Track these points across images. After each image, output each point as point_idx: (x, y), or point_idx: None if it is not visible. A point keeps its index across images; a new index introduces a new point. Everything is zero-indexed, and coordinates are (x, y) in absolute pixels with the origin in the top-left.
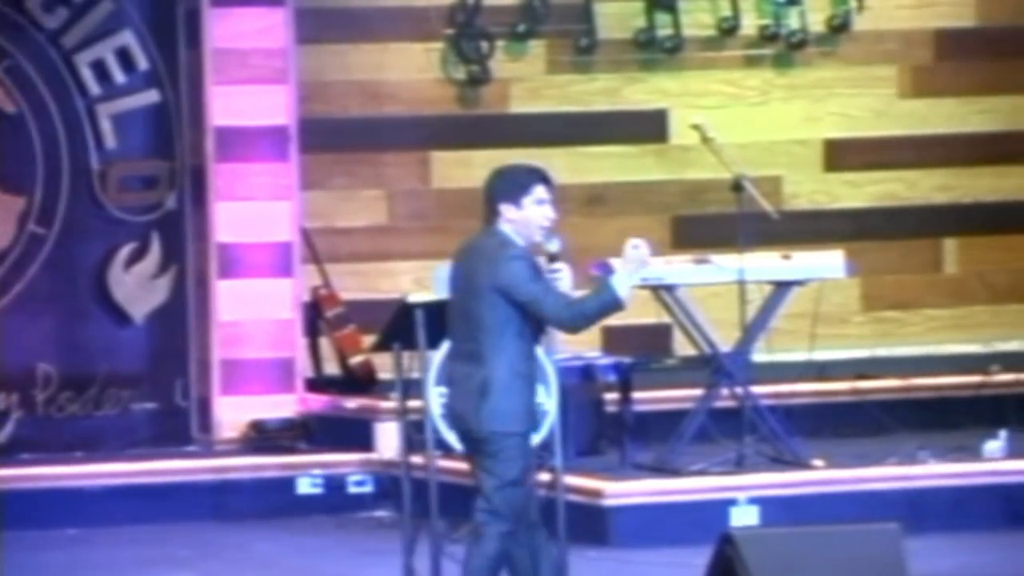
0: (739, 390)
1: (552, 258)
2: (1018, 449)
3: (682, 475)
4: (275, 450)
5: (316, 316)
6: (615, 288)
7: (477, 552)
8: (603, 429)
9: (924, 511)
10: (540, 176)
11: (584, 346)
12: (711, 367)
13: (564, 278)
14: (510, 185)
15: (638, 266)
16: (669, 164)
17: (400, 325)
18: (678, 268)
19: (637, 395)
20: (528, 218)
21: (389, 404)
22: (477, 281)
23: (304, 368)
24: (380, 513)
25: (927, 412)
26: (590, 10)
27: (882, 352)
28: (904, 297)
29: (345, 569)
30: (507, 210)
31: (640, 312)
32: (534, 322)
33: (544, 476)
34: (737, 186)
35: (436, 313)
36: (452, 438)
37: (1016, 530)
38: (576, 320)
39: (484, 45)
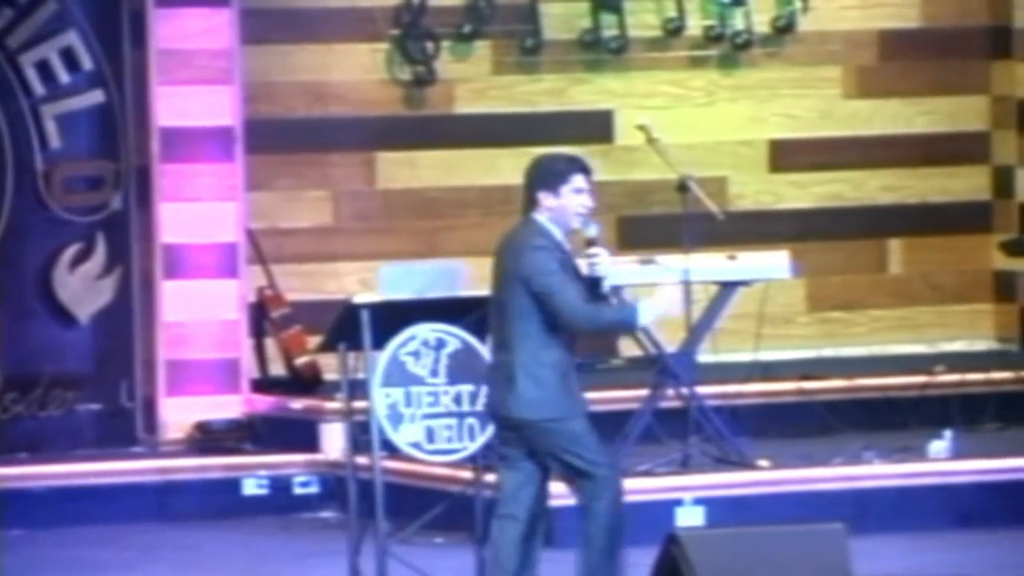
0: (684, 391)
1: (590, 243)
2: (963, 449)
3: (628, 475)
4: (220, 451)
5: (261, 317)
6: (638, 312)
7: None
8: None
9: (869, 511)
10: (579, 166)
11: None
12: (656, 368)
13: (603, 261)
14: (549, 174)
15: (668, 306)
16: (614, 164)
17: (346, 326)
18: (623, 268)
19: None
20: (565, 206)
21: (335, 405)
22: (506, 269)
23: (249, 369)
24: (326, 514)
25: (872, 412)
26: (535, 11)
27: (827, 352)
28: (849, 298)
29: (291, 570)
30: (545, 198)
31: None
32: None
33: (489, 477)
34: (682, 187)
35: (381, 313)
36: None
37: (961, 530)
38: (589, 321)
39: (429, 46)
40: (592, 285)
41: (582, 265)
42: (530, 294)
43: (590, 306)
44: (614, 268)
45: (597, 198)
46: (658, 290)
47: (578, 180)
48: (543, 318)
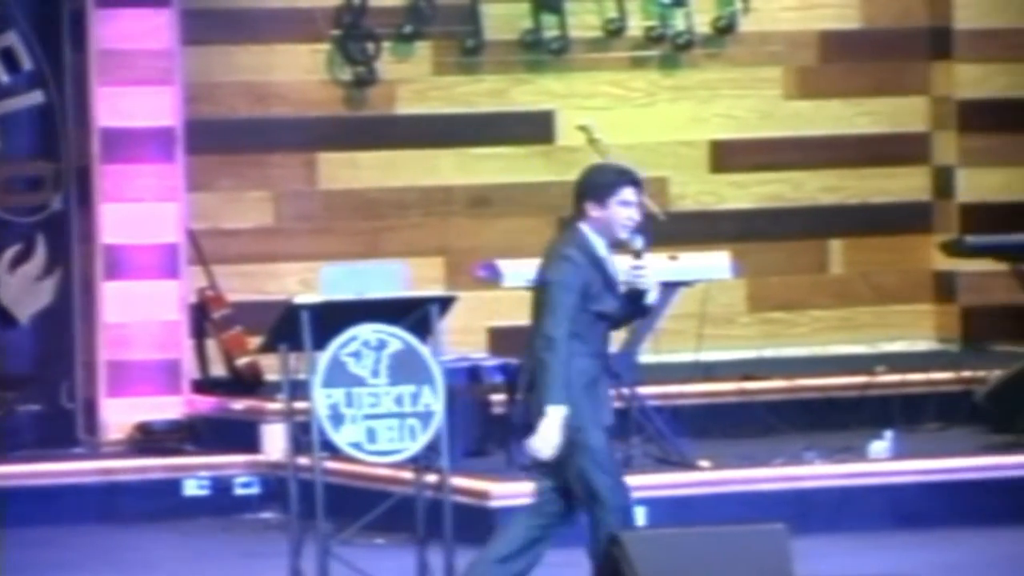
0: (626, 391)
1: (636, 255)
2: (903, 449)
3: None
4: (161, 452)
5: (202, 317)
6: (555, 410)
7: (592, 537)
8: (490, 430)
9: (810, 511)
10: (629, 178)
11: (470, 347)
12: None
13: (648, 275)
14: (597, 185)
15: (545, 446)
16: (556, 165)
17: (286, 326)
18: None
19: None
20: (611, 217)
21: (276, 405)
22: (539, 274)
23: (190, 370)
24: (267, 515)
25: (813, 413)
26: (476, 11)
27: (768, 353)
28: (790, 298)
29: (232, 571)
30: (591, 208)
31: (526, 313)
32: (593, 320)
33: (431, 477)
34: None
35: (322, 314)
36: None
37: (902, 530)
38: (552, 347)
39: (370, 46)
40: (636, 297)
41: (625, 277)
42: None
43: (561, 351)
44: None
45: (640, 212)
46: (547, 430)
47: (626, 193)
48: (572, 326)
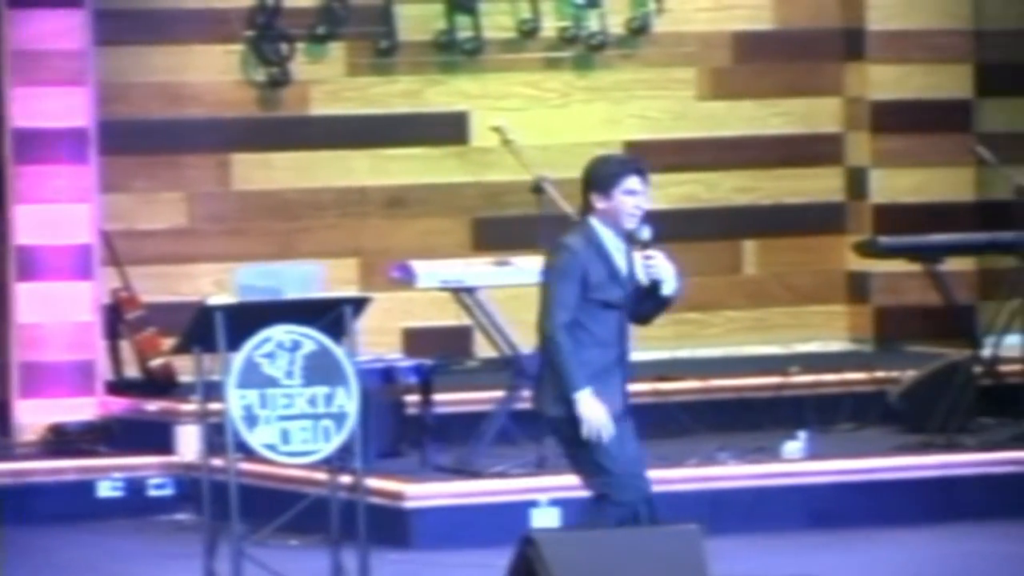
0: None
1: (644, 245)
2: (817, 450)
3: (483, 477)
4: (75, 453)
5: (116, 319)
6: (581, 394)
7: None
8: (404, 431)
9: (724, 512)
10: (634, 167)
11: (385, 348)
12: (512, 369)
13: (659, 264)
14: (601, 176)
15: (596, 425)
16: (470, 166)
17: (200, 327)
18: (478, 270)
19: (438, 397)
20: (617, 208)
21: (190, 407)
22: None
23: (104, 371)
24: (181, 516)
25: (727, 413)
26: (390, 12)
27: (683, 353)
28: (704, 299)
29: (146, 572)
30: (597, 200)
31: (440, 314)
32: (599, 309)
33: (345, 478)
34: (537, 188)
35: (237, 315)
36: None
37: (815, 530)
38: (548, 341)
39: (284, 47)
40: (652, 288)
41: (639, 268)
42: None
43: (564, 338)
44: (468, 270)
45: (647, 201)
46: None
47: (630, 182)
48: (578, 317)
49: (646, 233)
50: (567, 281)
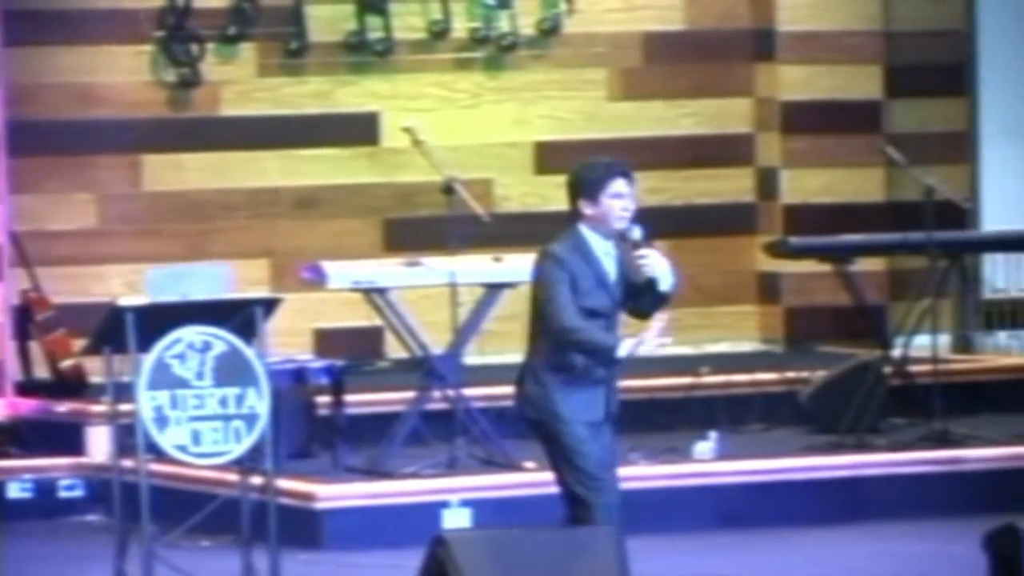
0: (451, 392)
1: (635, 245)
2: (728, 450)
3: (394, 477)
4: None
5: (26, 319)
6: (617, 345)
7: None
8: (315, 432)
9: (635, 512)
10: (619, 171)
11: (296, 349)
12: (423, 369)
13: (653, 262)
14: (587, 181)
15: (646, 347)
16: (380, 167)
17: (111, 328)
18: (389, 271)
19: (349, 398)
20: (605, 212)
21: (100, 408)
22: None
23: (14, 372)
24: (91, 517)
25: (638, 413)
26: (300, 13)
27: None
28: None
29: (56, 574)
30: (585, 206)
31: (352, 315)
32: (584, 317)
33: (256, 479)
34: (448, 189)
35: (147, 316)
36: None
37: (726, 530)
38: (570, 334)
39: (194, 48)
40: (648, 285)
41: (634, 268)
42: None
43: (579, 321)
44: (379, 271)
45: (634, 202)
46: (646, 332)
47: (616, 185)
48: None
49: (637, 233)
50: (560, 285)
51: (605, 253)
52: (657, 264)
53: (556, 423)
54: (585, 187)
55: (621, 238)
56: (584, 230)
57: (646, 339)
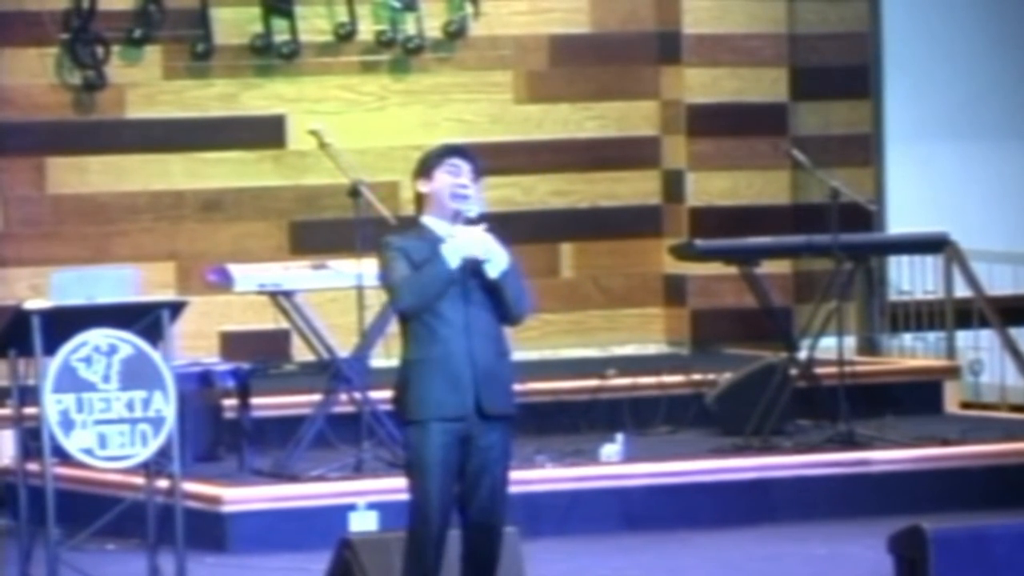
0: (357, 395)
1: (470, 223)
2: (634, 452)
3: (301, 480)
4: None
5: None
6: (445, 257)
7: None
8: (221, 435)
9: (541, 515)
10: (451, 149)
11: (202, 352)
12: (329, 372)
13: (465, 240)
14: (423, 161)
15: (469, 246)
16: (286, 170)
17: (16, 331)
18: (295, 274)
19: (255, 401)
20: (440, 189)
21: (5, 411)
22: None
23: None
24: None
25: (544, 416)
26: (206, 15)
27: None
28: None
29: None
30: (421, 184)
31: (258, 318)
32: (443, 303)
33: (162, 483)
34: (354, 192)
35: (53, 319)
36: None
37: (631, 533)
38: (412, 286)
39: (99, 50)
40: (477, 268)
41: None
42: None
43: (407, 274)
44: (285, 274)
45: (473, 182)
46: (458, 233)
47: (450, 159)
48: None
49: (473, 211)
50: (393, 262)
51: (449, 236)
52: (472, 242)
53: (409, 425)
54: (421, 166)
55: (456, 217)
56: (425, 220)
57: (456, 233)
